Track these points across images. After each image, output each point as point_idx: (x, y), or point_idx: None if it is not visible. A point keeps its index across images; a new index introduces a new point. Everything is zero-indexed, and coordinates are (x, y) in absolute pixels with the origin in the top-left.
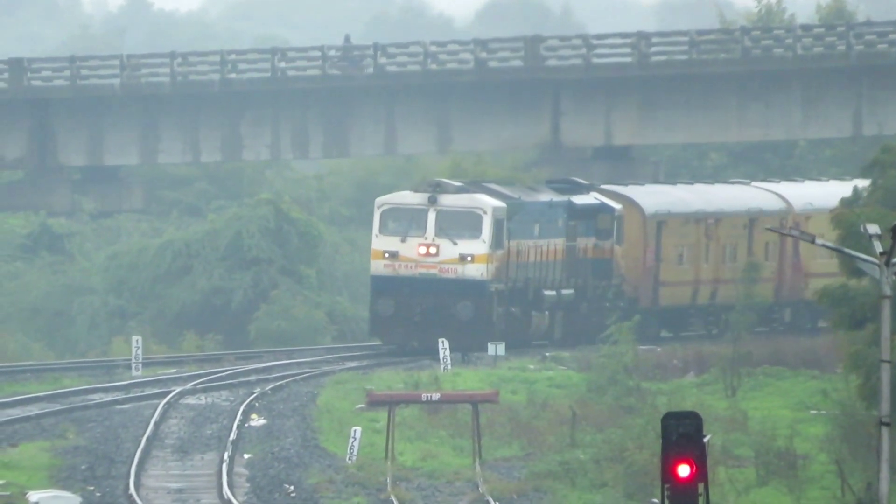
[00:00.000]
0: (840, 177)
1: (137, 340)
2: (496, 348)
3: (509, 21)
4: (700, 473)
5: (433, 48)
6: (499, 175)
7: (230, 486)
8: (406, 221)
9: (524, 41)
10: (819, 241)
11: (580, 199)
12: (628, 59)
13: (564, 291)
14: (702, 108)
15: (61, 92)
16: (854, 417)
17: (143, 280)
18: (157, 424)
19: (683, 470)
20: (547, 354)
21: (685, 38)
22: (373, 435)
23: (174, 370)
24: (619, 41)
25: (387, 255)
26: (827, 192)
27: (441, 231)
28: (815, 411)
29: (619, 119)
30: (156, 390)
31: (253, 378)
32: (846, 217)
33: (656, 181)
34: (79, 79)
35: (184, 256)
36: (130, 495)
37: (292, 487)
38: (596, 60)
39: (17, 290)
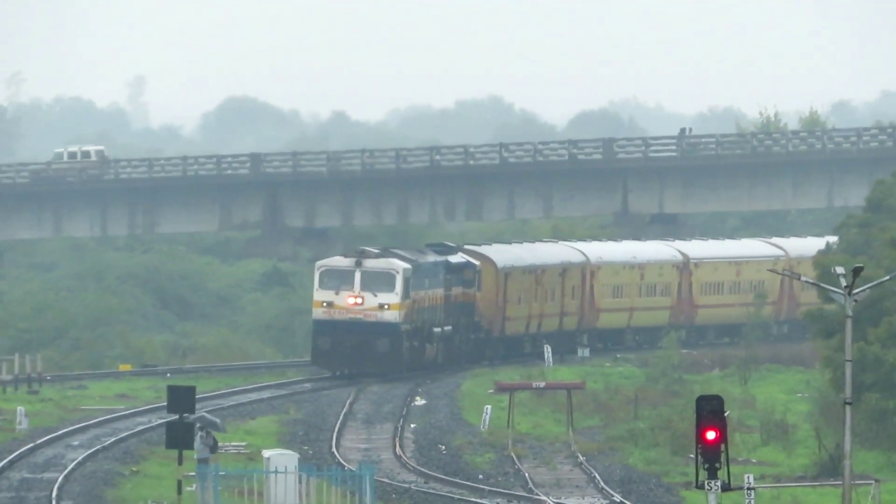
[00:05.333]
0: (637, 238)
1: None
2: (583, 351)
3: (592, 126)
4: (722, 437)
5: (540, 145)
6: (584, 233)
7: (401, 446)
8: (338, 279)
9: (602, 141)
10: (804, 277)
11: (453, 259)
12: (674, 153)
13: (445, 328)
14: (724, 187)
15: (286, 176)
16: (827, 399)
17: None
18: (351, 404)
19: (710, 434)
20: (618, 356)
21: (713, 139)
22: (499, 411)
23: None
24: (668, 141)
25: (325, 304)
26: (616, 249)
27: (365, 286)
28: (801, 395)
29: (669, 195)
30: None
31: (419, 372)
32: (821, 261)
33: (694, 237)
34: (298, 167)
35: None
36: (333, 452)
37: (444, 447)
38: (652, 154)
39: (256, 312)
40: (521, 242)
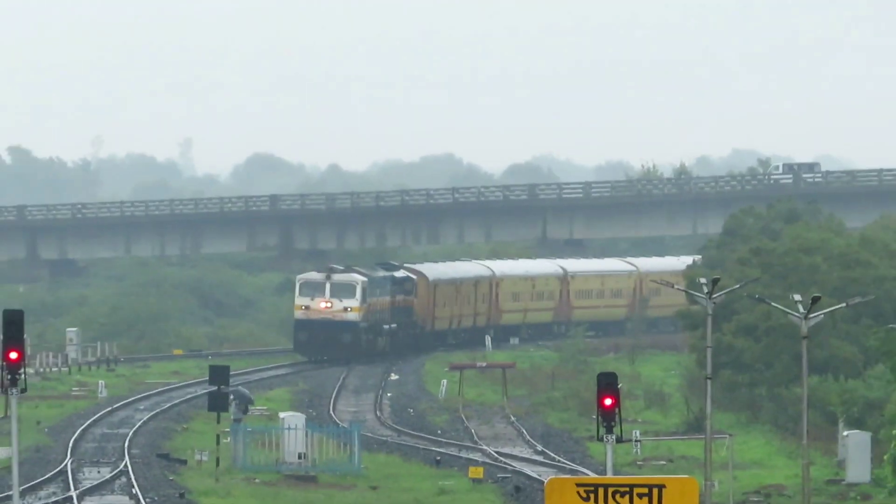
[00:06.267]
0: (536, 257)
1: None
2: (514, 340)
3: (520, 174)
4: (616, 403)
5: (482, 189)
6: (512, 253)
7: (380, 409)
8: (313, 289)
9: (527, 186)
10: (677, 286)
11: (397, 274)
12: (580, 195)
13: (392, 325)
14: (616, 219)
15: (296, 212)
16: (693, 375)
17: None
18: (344, 379)
19: (608, 401)
20: (539, 343)
21: (608, 184)
22: (452, 384)
23: None
24: (575, 185)
25: (303, 307)
26: (514, 265)
27: (333, 294)
28: (674, 372)
29: (577, 225)
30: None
31: (391, 356)
32: (689, 274)
33: (582, 257)
34: (305, 205)
35: None
36: (330, 414)
37: (412, 410)
38: (564, 196)
39: (273, 311)
40: (446, 262)
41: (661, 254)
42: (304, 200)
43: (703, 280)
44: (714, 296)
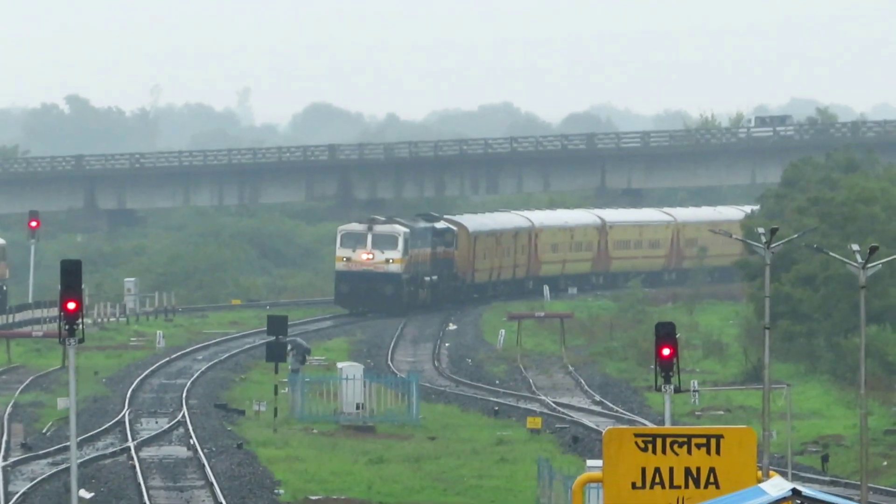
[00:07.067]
0: (583, 207)
1: None
2: (573, 290)
3: (578, 123)
4: (674, 353)
5: (541, 138)
6: (570, 202)
7: (437, 359)
8: (355, 240)
9: (586, 135)
10: (735, 235)
11: (438, 225)
12: (639, 144)
13: (433, 277)
14: (675, 168)
15: (354, 161)
16: (751, 325)
17: None
18: (402, 329)
19: (666, 351)
20: (597, 293)
21: (667, 133)
22: (510, 334)
23: None
24: (634, 135)
25: (345, 259)
26: (553, 216)
27: (375, 245)
28: (732, 322)
29: (635, 174)
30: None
31: (448, 305)
32: (747, 223)
33: (645, 206)
34: (363, 154)
35: None
36: (388, 364)
37: (470, 360)
38: (622, 145)
39: (332, 261)
40: (484, 213)
41: (719, 203)
42: (362, 150)
43: (760, 230)
44: (772, 245)
